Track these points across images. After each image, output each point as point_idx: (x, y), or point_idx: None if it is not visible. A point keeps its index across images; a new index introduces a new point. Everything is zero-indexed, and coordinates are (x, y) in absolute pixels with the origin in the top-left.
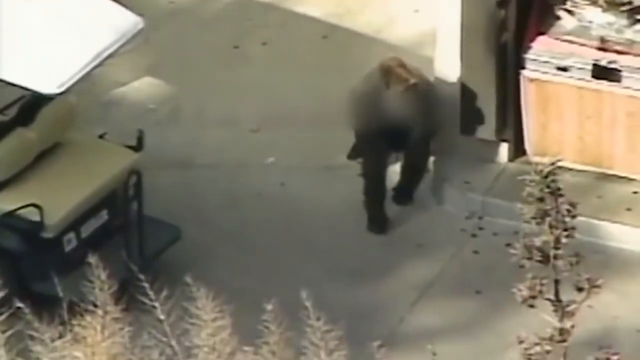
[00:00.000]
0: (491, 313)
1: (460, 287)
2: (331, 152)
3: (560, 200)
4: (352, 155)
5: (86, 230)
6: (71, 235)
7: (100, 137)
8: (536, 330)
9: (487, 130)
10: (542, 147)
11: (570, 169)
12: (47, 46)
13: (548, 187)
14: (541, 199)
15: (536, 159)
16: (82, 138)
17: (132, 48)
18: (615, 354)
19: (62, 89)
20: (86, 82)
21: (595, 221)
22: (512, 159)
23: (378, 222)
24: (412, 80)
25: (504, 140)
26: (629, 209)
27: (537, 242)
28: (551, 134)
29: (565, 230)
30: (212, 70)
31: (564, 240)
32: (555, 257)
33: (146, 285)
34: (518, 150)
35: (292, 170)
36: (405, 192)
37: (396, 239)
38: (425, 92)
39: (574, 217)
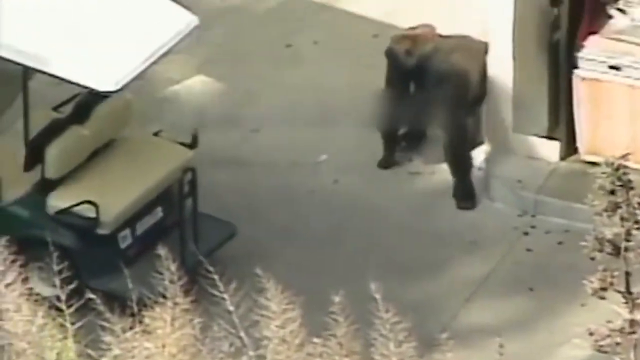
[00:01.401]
0: (544, 310)
1: (514, 285)
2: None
3: (632, 193)
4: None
5: (141, 227)
6: (127, 232)
7: (155, 134)
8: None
9: (539, 128)
10: (594, 146)
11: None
12: (104, 43)
13: (619, 179)
14: (612, 192)
15: (588, 157)
16: (137, 135)
17: (185, 46)
18: None
19: (119, 86)
20: (140, 80)
21: None
22: (564, 157)
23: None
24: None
25: (556, 139)
26: None
27: (608, 234)
28: (603, 133)
29: (636, 222)
30: (265, 69)
31: (634, 232)
32: (626, 249)
33: (215, 277)
34: (570, 148)
35: (344, 168)
36: (464, 193)
37: (449, 235)
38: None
39: None
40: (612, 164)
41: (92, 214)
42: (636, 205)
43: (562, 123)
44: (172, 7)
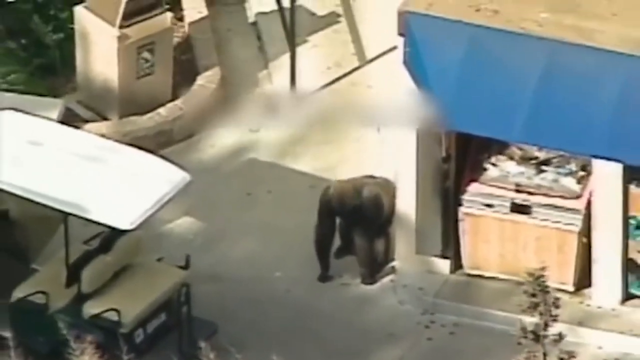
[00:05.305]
0: None
1: None
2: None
3: (548, 295)
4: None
5: (151, 327)
6: (140, 331)
7: (158, 260)
8: None
9: (435, 250)
10: (474, 262)
11: (495, 278)
12: (122, 193)
13: (539, 285)
14: (533, 295)
15: (470, 271)
16: (145, 261)
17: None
18: None
19: (134, 225)
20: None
21: (515, 315)
22: (453, 271)
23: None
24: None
25: (447, 257)
26: None
27: (530, 326)
28: (480, 253)
29: (552, 316)
30: (231, 212)
31: (550, 324)
32: (544, 337)
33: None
34: (457, 264)
35: (293, 281)
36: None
37: (372, 329)
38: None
39: (557, 307)
40: (533, 274)
41: (116, 318)
42: (551, 304)
43: (451, 246)
44: (171, 167)
